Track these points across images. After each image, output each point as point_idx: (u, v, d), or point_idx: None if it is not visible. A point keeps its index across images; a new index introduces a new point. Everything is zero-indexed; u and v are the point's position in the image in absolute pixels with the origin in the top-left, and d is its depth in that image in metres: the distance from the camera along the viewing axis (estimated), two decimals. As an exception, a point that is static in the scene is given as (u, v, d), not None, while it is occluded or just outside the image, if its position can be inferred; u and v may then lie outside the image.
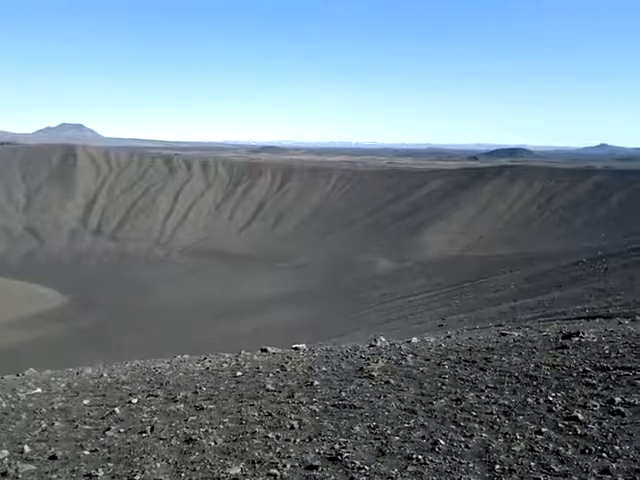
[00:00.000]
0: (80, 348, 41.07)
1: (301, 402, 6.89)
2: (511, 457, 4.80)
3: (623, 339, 8.89)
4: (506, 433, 5.32)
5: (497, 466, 4.64)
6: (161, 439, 6.01)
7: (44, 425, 7.08)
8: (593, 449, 4.83)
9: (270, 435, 5.76)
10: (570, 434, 5.20)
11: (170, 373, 10.08)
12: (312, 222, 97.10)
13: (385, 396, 6.83)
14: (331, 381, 7.87)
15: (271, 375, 8.68)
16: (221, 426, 6.25)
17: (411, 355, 9.07)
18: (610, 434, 5.10)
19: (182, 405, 7.39)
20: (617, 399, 5.89)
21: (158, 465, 5.28)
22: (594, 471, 4.45)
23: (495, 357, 8.41)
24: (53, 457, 5.79)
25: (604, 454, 4.73)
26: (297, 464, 5.00)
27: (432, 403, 6.39)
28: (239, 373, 9.13)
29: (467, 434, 5.38)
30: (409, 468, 4.74)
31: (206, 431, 6.10)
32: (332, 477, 4.70)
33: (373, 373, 7.97)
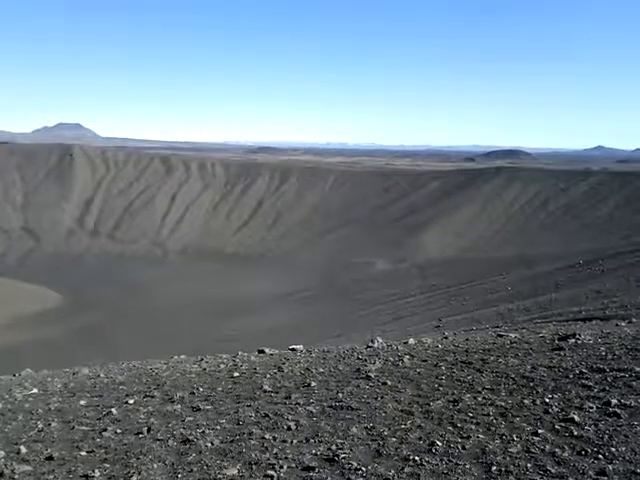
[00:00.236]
0: (77, 348, 40.97)
1: (298, 403, 6.90)
2: (508, 458, 4.81)
3: (619, 341, 8.91)
4: (503, 434, 5.33)
5: (494, 467, 4.66)
6: (158, 440, 6.00)
7: (40, 426, 7.07)
8: (589, 451, 4.85)
9: (267, 436, 5.76)
10: (566, 436, 5.21)
11: (167, 374, 10.07)
12: (310, 223, 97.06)
13: (382, 397, 6.84)
14: (328, 382, 7.88)
15: (268, 376, 8.68)
16: (218, 427, 6.25)
17: (408, 356, 9.08)
18: (606, 436, 5.12)
19: (179, 406, 7.38)
20: (613, 401, 5.91)
21: (155, 466, 5.28)
22: (590, 473, 4.46)
23: (492, 358, 8.43)
24: (49, 458, 5.78)
25: (600, 456, 4.74)
26: (294, 465, 5.00)
27: (429, 404, 6.40)
28: (236, 374, 9.14)
29: (464, 435, 5.39)
30: (406, 469, 4.75)
31: (203, 432, 6.10)
32: (329, 478, 4.71)
33: (370, 374, 7.98)
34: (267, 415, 6.51)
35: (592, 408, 5.83)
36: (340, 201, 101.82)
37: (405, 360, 8.76)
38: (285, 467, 4.96)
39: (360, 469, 4.80)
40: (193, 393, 8.07)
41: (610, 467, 4.52)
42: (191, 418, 6.72)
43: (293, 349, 11.73)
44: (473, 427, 5.58)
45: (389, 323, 31.08)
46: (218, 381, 8.78)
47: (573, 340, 9.19)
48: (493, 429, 5.49)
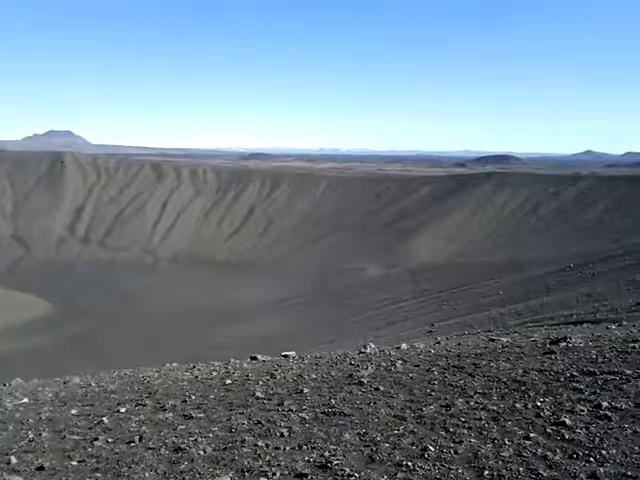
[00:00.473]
0: (68, 357, 40.66)
1: (291, 410, 6.88)
2: (500, 463, 4.83)
3: (610, 344, 8.97)
4: (495, 439, 5.35)
5: (486, 472, 4.67)
6: (150, 448, 5.97)
7: (31, 435, 7.01)
8: (581, 454, 4.87)
9: (260, 443, 5.75)
10: (558, 439, 5.23)
11: (159, 382, 10.02)
12: (301, 229, 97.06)
13: (375, 403, 6.84)
14: (321, 388, 7.87)
15: (261, 383, 8.66)
16: (210, 435, 6.23)
17: (400, 361, 9.09)
18: (597, 438, 5.15)
19: (171, 414, 7.35)
20: (604, 404, 5.94)
21: (147, 475, 5.25)
22: (582, 476, 4.48)
23: (484, 363, 8.45)
24: (40, 468, 5.74)
25: (591, 458, 4.76)
26: (287, 472, 4.99)
27: (421, 409, 6.41)
28: (228, 381, 9.11)
29: (456, 440, 5.40)
30: (399, 475, 4.75)
31: (195, 440, 6.07)
32: (322, 485, 4.70)
33: (363, 380, 7.98)
34: (260, 422, 6.49)
35: (583, 411, 5.85)
36: (331, 207, 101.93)
37: (397, 365, 8.76)
38: (278, 474, 4.95)
39: (353, 475, 4.79)
40: (185, 401, 8.03)
41: (601, 470, 4.54)
42: (183, 426, 6.69)
43: (285, 355, 11.72)
44: (465, 432, 5.60)
45: (381, 328, 31.07)
46: (210, 389, 8.75)
47: (564, 344, 9.24)
48: (485, 433, 5.51)
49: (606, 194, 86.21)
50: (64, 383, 11.68)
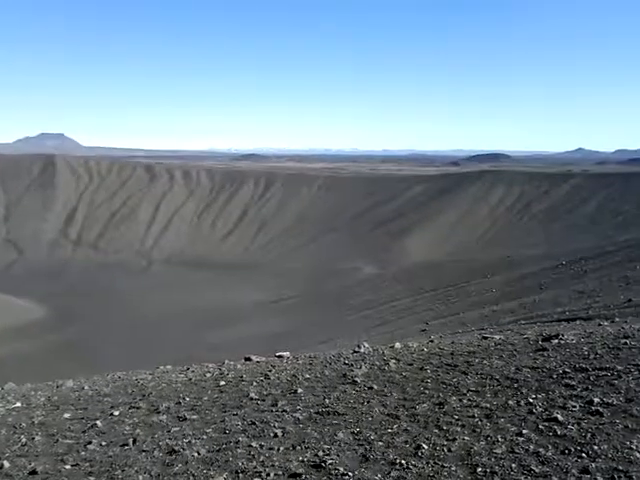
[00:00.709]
0: (61, 361, 40.49)
1: (285, 410, 6.89)
2: (493, 459, 4.85)
3: (602, 340, 9.02)
4: (488, 436, 5.37)
5: (479, 469, 4.69)
6: (143, 451, 5.96)
7: (24, 440, 6.98)
8: (572, 449, 4.90)
9: (254, 444, 5.75)
10: (550, 435, 5.26)
11: (153, 384, 10.00)
12: (295, 229, 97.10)
13: (368, 402, 6.85)
14: (315, 388, 7.87)
15: (255, 384, 8.66)
16: (204, 436, 6.22)
17: (394, 360, 9.10)
18: (589, 434, 5.17)
19: (165, 416, 7.33)
20: (596, 400, 5.98)
21: (140, 477, 5.24)
22: (574, 471, 4.51)
23: (477, 360, 8.48)
24: (33, 472, 5.71)
25: (583, 454, 4.79)
26: (281, 472, 5.00)
27: (415, 408, 6.43)
28: (222, 383, 9.09)
29: (449, 438, 5.42)
30: (392, 473, 4.76)
31: (189, 442, 6.07)
32: (316, 484, 4.71)
33: (357, 379, 7.99)
34: (254, 423, 6.49)
35: (575, 407, 5.89)
36: (325, 207, 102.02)
37: (391, 364, 8.78)
38: (272, 475, 4.96)
39: (347, 474, 4.80)
40: (179, 403, 8.02)
41: (593, 465, 4.57)
42: (177, 428, 6.68)
43: (280, 356, 11.71)
44: (458, 429, 5.62)
45: (376, 327, 31.15)
46: (204, 390, 8.74)
47: (556, 340, 9.29)
48: (478, 431, 5.53)
49: (598, 191, 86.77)
50: (57, 387, 11.63)
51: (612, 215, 77.05)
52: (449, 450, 5.13)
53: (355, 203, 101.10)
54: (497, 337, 11.11)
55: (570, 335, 9.77)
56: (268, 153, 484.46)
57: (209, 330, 47.02)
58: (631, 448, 4.79)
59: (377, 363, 9.03)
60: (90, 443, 6.47)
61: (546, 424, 5.52)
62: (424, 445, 5.26)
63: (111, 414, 7.82)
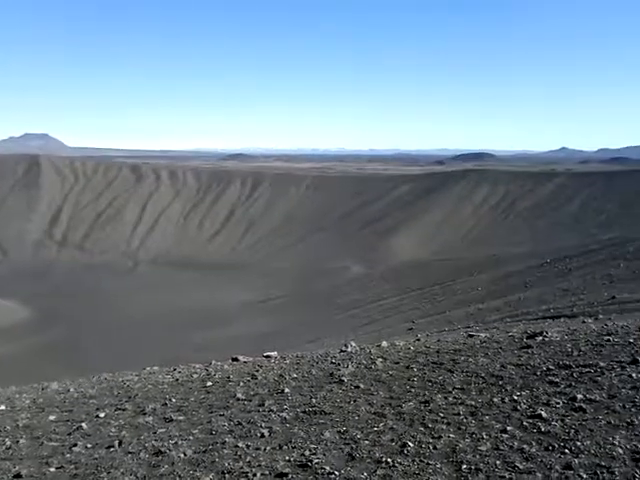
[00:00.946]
0: (46, 363, 40.08)
1: (272, 410, 6.89)
2: (477, 456, 4.89)
3: (585, 337, 9.12)
4: (473, 433, 5.41)
5: (464, 466, 4.73)
6: (129, 453, 5.93)
7: (8, 443, 6.93)
8: (556, 445, 4.95)
9: (240, 444, 5.74)
10: (534, 432, 5.31)
11: (139, 386, 9.95)
12: (283, 229, 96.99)
13: (355, 401, 6.87)
14: (302, 388, 7.89)
15: (242, 384, 8.65)
16: (191, 437, 6.21)
17: (381, 359, 9.14)
18: (572, 430, 5.23)
19: (151, 417, 7.31)
20: (579, 396, 6.04)
21: (126, 479, 5.22)
22: (557, 467, 4.56)
23: (462, 358, 8.54)
24: (18, 475, 5.67)
25: (566, 450, 4.85)
26: (267, 472, 5.00)
27: (401, 406, 6.46)
28: (209, 383, 9.07)
29: (435, 435, 5.46)
30: (378, 472, 4.79)
31: (175, 443, 6.05)
32: (302, 484, 4.72)
33: (343, 378, 8.01)
34: (240, 423, 6.49)
35: (559, 404, 5.95)
36: (312, 207, 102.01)
37: (378, 363, 8.81)
38: (258, 475, 4.96)
39: (333, 473, 4.82)
40: (165, 404, 7.99)
41: (576, 461, 4.62)
42: (163, 429, 6.65)
43: (267, 356, 11.69)
44: (444, 427, 5.66)
45: (363, 327, 31.22)
46: (191, 391, 8.72)
47: (541, 338, 9.37)
48: (463, 428, 5.57)
49: (581, 190, 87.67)
50: (42, 389, 11.54)
51: (595, 213, 77.93)
52: (434, 448, 5.17)
53: (343, 203, 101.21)
54: (483, 335, 11.19)
55: (554, 332, 9.87)
56: (255, 153, 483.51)
57: (196, 331, 46.82)
58: (613, 444, 4.85)
59: (364, 362, 9.05)
60: (75, 445, 6.44)
61: (530, 421, 5.57)
62: (410, 443, 5.29)
63: (97, 416, 7.78)
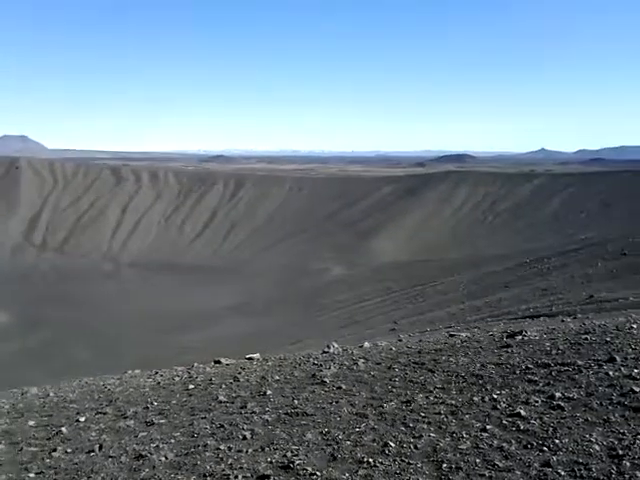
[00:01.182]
0: (26, 368, 39.47)
1: (254, 412, 6.88)
2: (458, 455, 4.94)
3: (563, 336, 9.26)
4: (453, 432, 5.47)
5: (444, 465, 4.78)
6: (110, 457, 5.89)
7: (-13, 449, 6.83)
8: (535, 443, 5.02)
9: (222, 447, 5.73)
10: (513, 430, 5.39)
11: (120, 389, 9.88)
12: (265, 231, 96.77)
13: (337, 402, 6.90)
14: (284, 389, 7.89)
15: (224, 386, 8.63)
16: (172, 440, 6.18)
17: (363, 360, 9.18)
18: (551, 428, 5.31)
19: (132, 421, 7.26)
20: (557, 394, 6.13)
21: (107, 483, 5.19)
22: (536, 465, 4.62)
23: (443, 358, 8.61)
24: (-4, 482, 5.60)
25: (545, 448, 4.92)
26: (249, 475, 5.00)
27: (383, 406, 6.50)
28: (191, 386, 9.03)
29: (416, 435, 5.50)
30: (360, 472, 4.82)
31: (157, 446, 6.02)
32: (284, 485, 4.73)
33: (325, 379, 8.04)
34: (222, 426, 6.47)
35: (537, 402, 6.03)
36: (294, 209, 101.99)
37: (360, 364, 8.85)
38: (240, 477, 4.96)
39: (314, 474, 4.84)
40: (147, 408, 7.94)
41: (554, 458, 4.70)
42: (144, 433, 6.61)
43: (250, 358, 11.67)
44: (425, 426, 5.71)
45: (346, 327, 31.27)
46: (173, 394, 8.67)
47: (520, 337, 9.50)
48: (444, 427, 5.63)
49: (560, 191, 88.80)
50: (22, 394, 11.39)
51: (574, 214, 78.98)
52: (415, 447, 5.21)
53: (325, 204, 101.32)
54: (463, 335, 11.30)
55: (533, 332, 10.00)
56: (237, 154, 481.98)
57: (178, 333, 46.50)
58: (591, 441, 4.94)
59: (346, 363, 9.09)
60: (55, 450, 6.37)
61: (510, 419, 5.64)
62: (391, 443, 5.33)
63: (77, 420, 7.70)
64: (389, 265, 63.20)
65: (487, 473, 4.57)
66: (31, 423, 7.99)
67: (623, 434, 5.00)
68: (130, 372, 12.89)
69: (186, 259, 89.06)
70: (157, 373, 11.77)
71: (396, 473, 4.73)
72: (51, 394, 10.59)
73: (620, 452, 4.66)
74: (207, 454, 5.59)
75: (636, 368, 6.67)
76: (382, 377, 7.86)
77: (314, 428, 6.00)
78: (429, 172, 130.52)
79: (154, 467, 5.42)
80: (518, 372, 7.25)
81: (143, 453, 5.82)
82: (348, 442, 5.50)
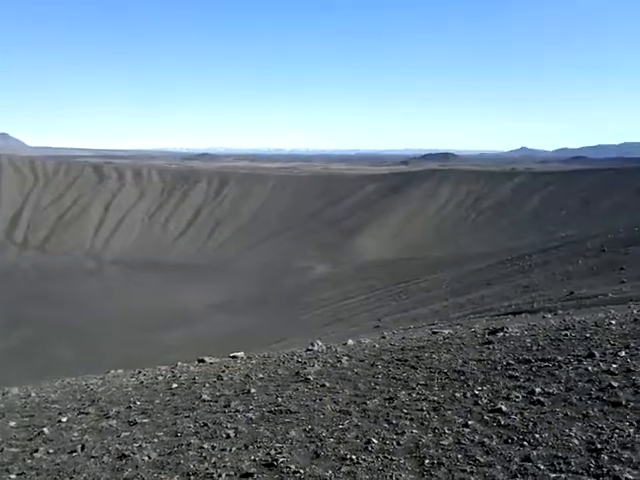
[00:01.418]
0: (7, 368, 38.97)
1: (237, 410, 6.88)
2: (440, 451, 4.99)
3: (544, 332, 9.37)
4: (435, 428, 5.52)
5: (427, 461, 4.82)
6: (92, 457, 5.85)
7: (-33, 451, 6.74)
8: (515, 438, 5.08)
9: (205, 446, 5.73)
10: (495, 425, 5.44)
11: (102, 389, 9.81)
12: (249, 229, 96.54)
13: (320, 399, 6.92)
14: (268, 387, 7.90)
15: (207, 385, 8.61)
16: (155, 440, 6.15)
17: (346, 357, 9.21)
18: (531, 423, 5.37)
19: (115, 421, 7.22)
20: (537, 389, 6.21)
21: (89, 484, 5.16)
22: (516, 459, 4.68)
23: (426, 355, 8.67)
24: (-24, 484, 5.55)
25: (525, 442, 4.98)
26: (232, 473, 5.00)
27: (366, 403, 6.53)
28: (175, 385, 9.00)
29: (399, 431, 5.54)
30: (343, 469, 4.84)
31: (140, 446, 5.99)
32: (267, 483, 4.74)
33: (309, 377, 8.05)
34: (206, 425, 6.46)
35: (518, 397, 6.10)
36: (279, 207, 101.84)
37: (343, 361, 8.88)
38: (223, 475, 4.96)
39: (298, 471, 4.86)
40: (130, 407, 7.89)
41: (534, 453, 4.76)
42: (127, 433, 6.58)
43: (234, 356, 11.64)
44: (407, 423, 5.75)
45: (330, 325, 31.35)
46: (156, 393, 8.63)
47: (502, 334, 9.59)
48: (426, 423, 5.67)
49: (541, 189, 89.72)
50: (2, 394, 11.26)
51: (555, 212, 79.88)
52: (398, 444, 5.25)
53: (309, 202, 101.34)
54: (446, 332, 11.38)
55: (515, 328, 10.11)
56: (221, 152, 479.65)
57: (162, 332, 46.25)
58: (570, 435, 5.01)
59: (330, 360, 9.11)
60: (37, 451, 6.32)
61: (491, 415, 5.70)
62: (374, 440, 5.36)
63: (59, 421, 7.64)
64: (373, 263, 63.44)
65: (468, 468, 4.62)
66: (12, 424, 7.91)
67: (602, 428, 5.07)
68: (113, 372, 12.81)
69: (170, 257, 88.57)
70: (140, 372, 11.70)
71: (379, 469, 4.77)
72: (33, 394, 10.49)
73: (599, 446, 4.73)
74: (190, 453, 5.58)
75: (614, 363, 6.77)
76: (365, 374, 7.90)
77: (298, 426, 6.01)
78: (413, 170, 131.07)
79: (137, 467, 5.40)
80: (499, 368, 7.32)
81: (126, 453, 5.79)
82: (331, 439, 5.52)
